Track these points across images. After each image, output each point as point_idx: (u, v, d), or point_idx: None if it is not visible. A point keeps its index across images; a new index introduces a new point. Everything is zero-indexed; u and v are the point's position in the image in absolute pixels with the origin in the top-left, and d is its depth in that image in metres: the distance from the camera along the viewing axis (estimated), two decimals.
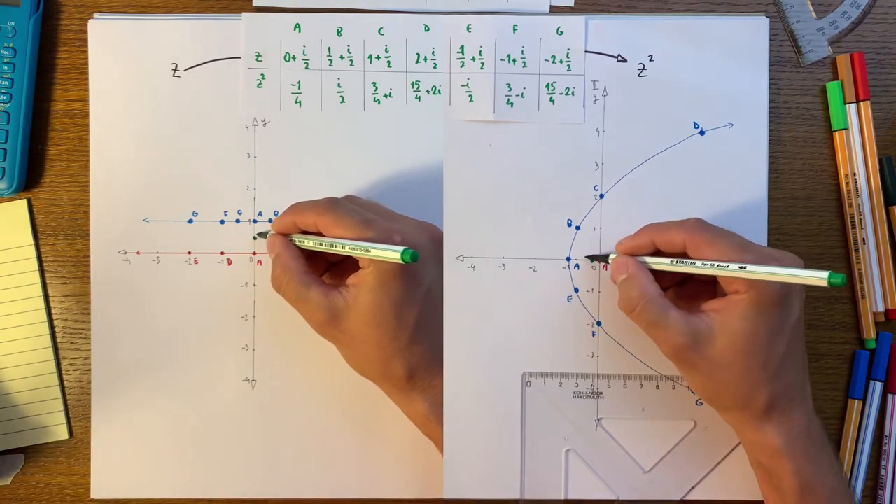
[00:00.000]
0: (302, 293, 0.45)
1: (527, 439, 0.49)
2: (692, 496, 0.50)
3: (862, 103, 0.51)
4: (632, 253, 0.46)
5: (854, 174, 0.51)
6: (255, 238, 0.50)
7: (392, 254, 0.42)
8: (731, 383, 0.43)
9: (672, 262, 0.44)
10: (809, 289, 0.50)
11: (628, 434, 0.50)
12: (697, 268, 0.43)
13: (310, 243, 0.46)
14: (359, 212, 0.45)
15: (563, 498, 0.50)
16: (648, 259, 0.46)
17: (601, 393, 0.50)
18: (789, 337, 0.43)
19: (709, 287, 0.46)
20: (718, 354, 0.42)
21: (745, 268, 0.41)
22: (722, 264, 0.42)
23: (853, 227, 0.51)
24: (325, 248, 0.45)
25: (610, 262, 0.48)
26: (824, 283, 0.38)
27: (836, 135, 0.51)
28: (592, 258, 0.49)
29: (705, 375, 0.43)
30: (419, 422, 0.48)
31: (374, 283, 0.44)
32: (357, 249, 0.43)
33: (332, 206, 0.46)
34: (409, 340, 0.45)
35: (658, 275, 0.45)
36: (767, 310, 0.42)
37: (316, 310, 0.45)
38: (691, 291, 0.47)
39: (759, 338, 0.42)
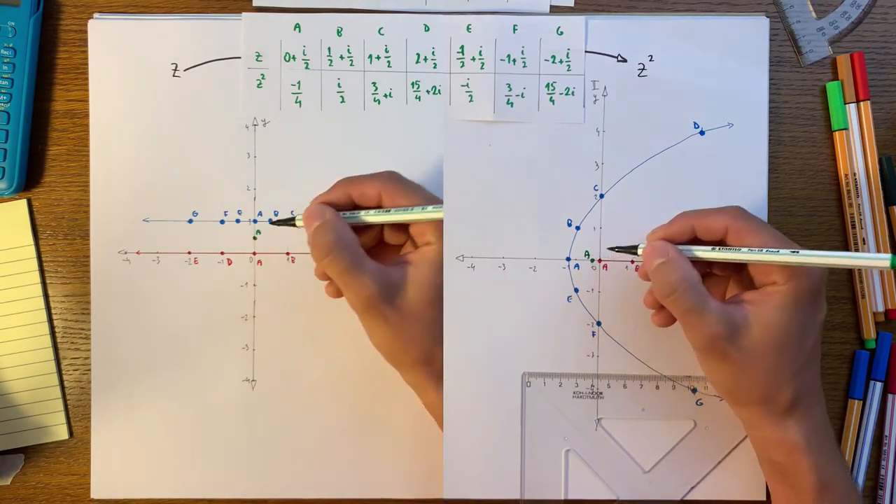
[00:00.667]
0: (356, 262, 0.43)
1: (526, 439, 0.49)
2: (692, 496, 0.50)
3: (862, 103, 0.51)
4: (668, 240, 0.44)
5: (854, 174, 0.51)
6: (275, 223, 0.48)
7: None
8: (759, 376, 0.42)
9: (713, 249, 0.43)
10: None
11: (628, 434, 0.50)
12: (745, 254, 0.42)
13: (374, 216, 0.44)
14: (420, 188, 0.45)
15: (562, 498, 0.50)
16: (688, 247, 0.44)
17: (601, 393, 0.50)
18: (817, 332, 0.43)
19: (728, 280, 0.46)
20: (752, 346, 0.42)
21: (797, 252, 0.40)
22: (770, 251, 0.41)
23: (853, 227, 0.51)
24: (390, 219, 0.44)
25: (639, 251, 0.46)
26: (887, 266, 0.37)
27: (836, 135, 0.51)
28: (618, 249, 0.48)
29: (736, 367, 0.42)
30: (437, 414, 0.48)
31: (436, 257, 0.44)
32: (426, 213, 0.43)
33: (397, 178, 0.45)
34: None
35: None
36: (803, 303, 0.42)
37: (369, 282, 0.42)
38: (713, 285, 0.46)
39: (793, 331, 0.42)
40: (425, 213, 0.44)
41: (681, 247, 0.44)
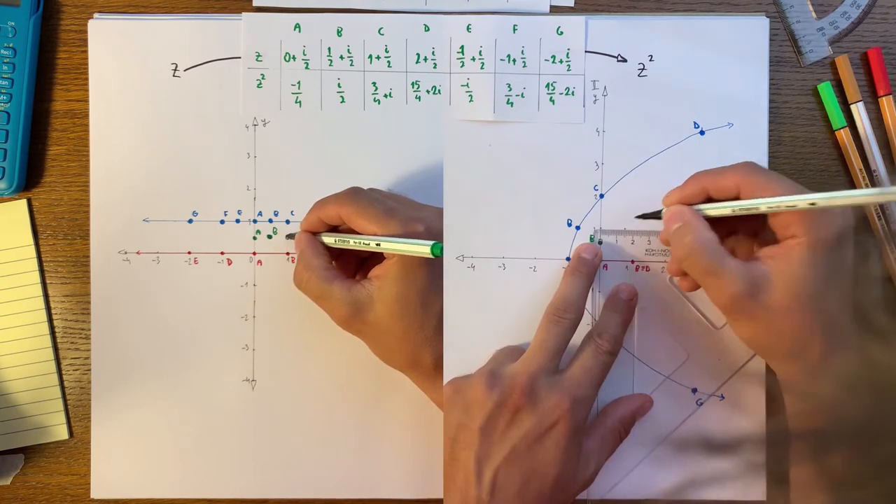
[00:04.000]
0: (324, 289, 0.45)
1: None
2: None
3: (885, 98, 0.50)
4: (683, 202, 0.44)
5: (873, 170, 0.50)
6: (287, 238, 0.50)
7: (422, 248, 0.42)
8: (787, 331, 0.41)
9: (731, 203, 0.42)
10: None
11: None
12: (765, 202, 0.41)
13: (335, 241, 0.46)
14: (381, 201, 0.45)
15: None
16: (705, 206, 0.44)
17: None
18: (845, 282, 0.42)
19: (752, 239, 0.45)
20: (776, 301, 0.41)
21: (815, 203, 0.39)
22: (790, 201, 0.40)
23: (879, 219, 0.50)
24: (351, 246, 0.45)
25: (662, 216, 0.45)
26: None
27: (838, 134, 0.51)
28: (644, 216, 0.48)
29: (762, 324, 0.42)
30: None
31: (399, 273, 0.44)
32: (384, 245, 0.43)
33: (354, 196, 0.46)
34: (435, 328, 0.46)
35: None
36: (825, 253, 0.41)
37: (338, 305, 0.45)
38: (735, 244, 0.46)
39: (818, 283, 0.41)
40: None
41: (694, 206, 0.44)
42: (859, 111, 0.51)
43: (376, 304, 0.44)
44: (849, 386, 0.42)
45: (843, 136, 0.51)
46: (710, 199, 0.44)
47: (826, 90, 0.51)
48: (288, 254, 0.50)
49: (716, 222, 0.43)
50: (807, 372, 0.42)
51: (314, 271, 0.46)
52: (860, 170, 0.51)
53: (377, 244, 0.44)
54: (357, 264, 0.49)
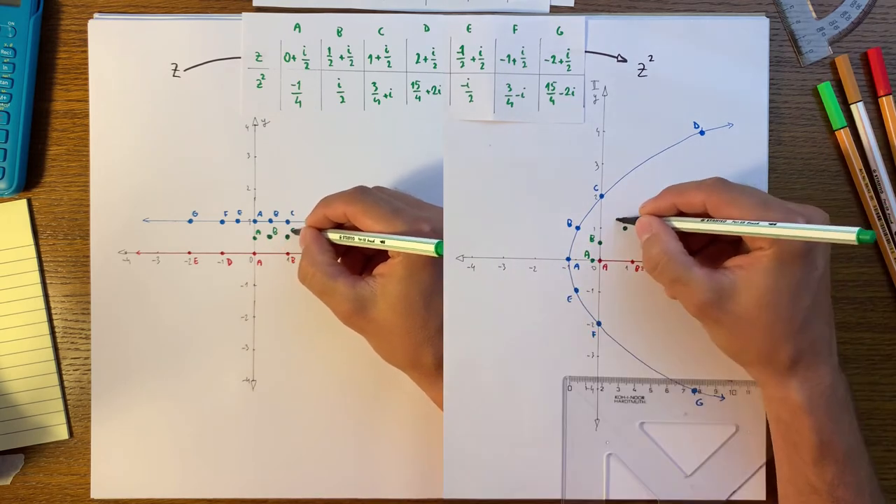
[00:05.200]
0: (328, 285, 0.45)
1: (568, 442, 0.49)
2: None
3: (884, 98, 0.51)
4: (655, 214, 0.46)
5: (873, 170, 0.50)
6: (287, 237, 0.50)
7: (426, 246, 0.42)
8: (755, 338, 0.43)
9: (701, 220, 0.44)
10: (868, 284, 0.51)
11: (670, 438, 0.50)
12: (725, 226, 0.43)
13: (340, 238, 0.46)
14: (387, 200, 0.45)
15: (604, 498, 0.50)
16: (676, 220, 0.46)
17: (643, 398, 0.50)
18: (814, 292, 0.43)
19: (734, 247, 0.46)
20: (742, 310, 0.42)
21: (774, 225, 0.41)
22: (751, 223, 0.42)
23: (879, 219, 0.50)
24: (356, 243, 0.45)
25: (635, 225, 0.48)
26: (853, 241, 0.38)
27: (838, 134, 0.51)
28: (623, 220, 0.49)
29: (729, 331, 0.44)
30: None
31: (404, 272, 0.44)
32: (388, 242, 0.43)
33: (360, 195, 0.46)
34: (437, 329, 0.46)
35: (687, 238, 0.45)
36: (791, 264, 0.42)
37: (342, 301, 0.45)
38: (718, 252, 0.47)
39: (782, 293, 0.42)
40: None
41: (667, 219, 0.46)
42: (859, 111, 0.51)
43: (380, 301, 0.44)
44: (812, 395, 0.43)
45: (843, 136, 0.51)
46: (680, 213, 0.46)
47: (826, 90, 0.51)
48: (288, 254, 0.50)
49: (692, 235, 0.45)
50: (777, 378, 0.44)
51: (319, 267, 0.46)
52: (860, 170, 0.51)
53: (382, 241, 0.44)
54: (362, 263, 0.49)
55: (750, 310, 0.42)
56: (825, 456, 0.43)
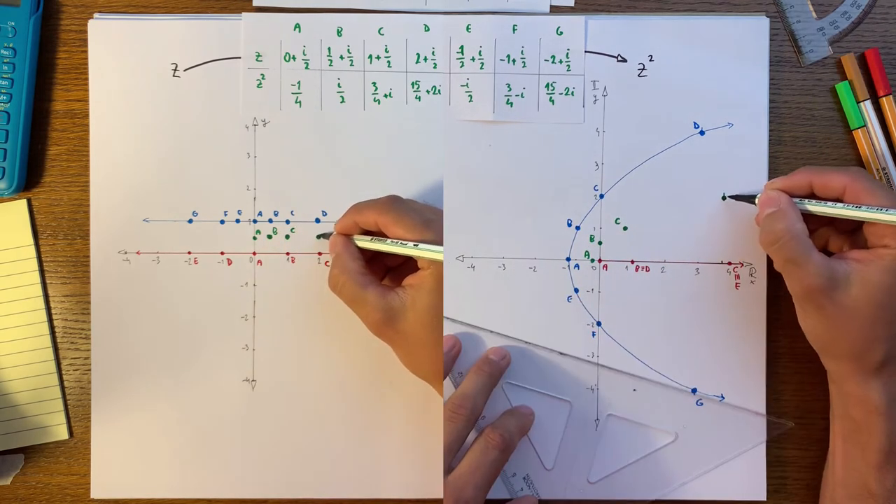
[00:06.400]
0: (358, 294, 0.45)
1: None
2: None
3: (884, 98, 0.50)
4: (785, 191, 0.46)
5: (883, 168, 0.50)
6: (318, 238, 0.50)
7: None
8: (851, 332, 0.43)
9: (834, 205, 0.44)
10: None
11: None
12: (852, 211, 0.43)
13: (372, 244, 0.46)
14: (420, 212, 0.45)
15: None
16: (802, 200, 0.45)
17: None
18: None
19: (844, 237, 0.46)
20: (851, 301, 0.42)
21: None
22: (879, 209, 0.42)
23: None
24: (387, 248, 0.45)
25: (757, 200, 0.47)
26: None
27: (856, 133, 0.51)
28: (737, 197, 0.49)
29: (829, 320, 0.43)
30: None
31: (433, 284, 0.44)
32: (421, 247, 0.43)
33: (393, 204, 0.46)
34: None
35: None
36: None
37: (372, 310, 0.44)
38: (830, 237, 0.47)
39: (894, 294, 0.42)
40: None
41: (796, 200, 0.45)
42: (866, 109, 0.51)
43: (409, 312, 0.44)
44: (892, 399, 0.43)
45: (861, 135, 0.51)
46: (812, 194, 0.45)
47: (844, 90, 0.50)
48: (288, 254, 0.50)
49: (810, 215, 0.45)
50: (860, 375, 0.44)
51: (350, 275, 0.45)
52: (878, 170, 0.50)
53: (415, 245, 0.44)
54: (384, 272, 0.49)
55: (858, 303, 0.42)
56: (890, 461, 0.44)
